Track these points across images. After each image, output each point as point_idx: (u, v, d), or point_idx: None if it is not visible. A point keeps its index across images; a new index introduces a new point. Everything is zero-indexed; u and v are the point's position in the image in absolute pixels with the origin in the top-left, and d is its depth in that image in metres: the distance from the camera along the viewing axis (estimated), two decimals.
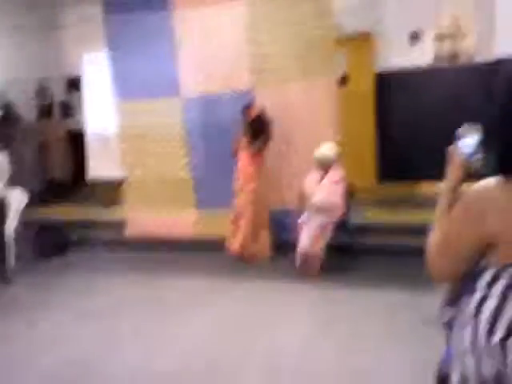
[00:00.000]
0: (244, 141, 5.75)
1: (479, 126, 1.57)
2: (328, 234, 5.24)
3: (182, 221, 6.46)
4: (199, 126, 6.35)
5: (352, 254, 5.53)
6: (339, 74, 6.43)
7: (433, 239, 1.50)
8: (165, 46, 6.26)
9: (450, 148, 1.60)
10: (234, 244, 5.80)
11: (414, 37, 6.88)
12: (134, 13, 6.28)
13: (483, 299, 1.39)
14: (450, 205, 1.52)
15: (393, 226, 5.64)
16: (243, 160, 5.78)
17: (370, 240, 5.70)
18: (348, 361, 3.49)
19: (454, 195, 1.55)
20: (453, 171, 1.58)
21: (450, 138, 1.61)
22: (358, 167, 6.40)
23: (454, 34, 6.63)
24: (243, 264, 5.71)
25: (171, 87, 6.32)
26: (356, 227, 5.59)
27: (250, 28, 5.95)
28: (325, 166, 5.34)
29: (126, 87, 6.53)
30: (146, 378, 3.45)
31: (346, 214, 5.38)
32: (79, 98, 8.59)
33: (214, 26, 6.06)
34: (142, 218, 6.61)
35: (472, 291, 1.42)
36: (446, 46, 6.72)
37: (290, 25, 5.81)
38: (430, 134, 6.51)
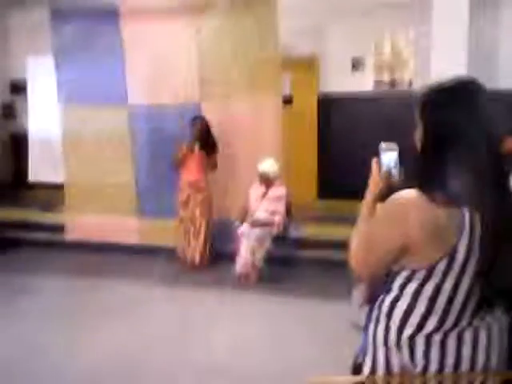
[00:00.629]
0: (192, 152, 5.85)
1: (396, 144, 1.71)
2: (266, 246, 5.42)
3: (124, 227, 6.49)
4: (145, 136, 6.43)
5: (290, 266, 5.73)
6: (284, 94, 6.68)
7: (356, 243, 1.62)
8: (113, 55, 6.30)
9: (372, 161, 1.72)
10: (192, 255, 5.91)
11: (357, 63, 7.24)
12: (83, 21, 6.31)
13: (396, 299, 1.54)
14: (371, 214, 1.65)
15: (331, 241, 5.89)
16: (191, 171, 5.89)
17: (309, 253, 5.91)
18: (277, 364, 3.69)
19: (375, 205, 1.66)
20: (374, 183, 1.70)
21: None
22: (300, 184, 6.64)
23: (394, 63, 7.04)
24: (186, 271, 5.81)
25: (118, 95, 6.38)
26: (295, 241, 5.81)
27: (198, 42, 6.10)
28: (267, 181, 5.53)
29: (71, 92, 6.53)
30: (68, 379, 3.51)
31: (286, 228, 5.59)
32: (23, 101, 8.46)
33: (163, 40, 6.15)
34: (83, 222, 6.61)
35: (388, 291, 1.57)
36: (386, 74, 7.11)
37: (237, 44, 5.99)
38: (367, 156, 6.84)
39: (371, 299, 1.67)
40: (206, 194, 5.95)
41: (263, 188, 5.58)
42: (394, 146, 1.71)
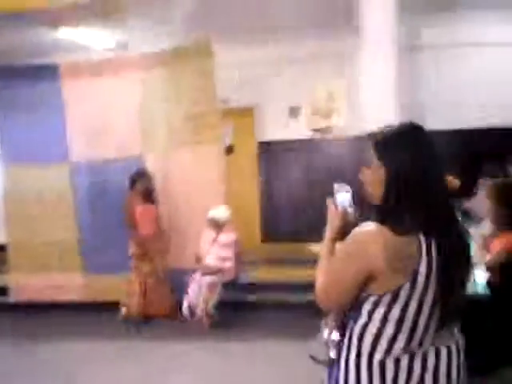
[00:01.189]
0: (140, 204, 5.85)
1: (348, 185, 1.83)
2: (218, 293, 5.47)
3: (70, 285, 6.38)
4: (88, 191, 6.41)
5: (242, 310, 5.78)
6: (226, 143, 6.89)
7: (321, 280, 1.68)
8: (54, 113, 6.34)
9: (328, 201, 1.83)
10: (155, 308, 5.78)
11: (293, 112, 7.60)
12: (23, 80, 6.33)
13: (366, 324, 1.62)
14: (332, 252, 1.74)
15: (278, 283, 6.03)
16: (145, 225, 5.83)
17: (258, 296, 6.01)
18: None
19: (334, 244, 1.76)
20: (333, 221, 1.79)
21: (326, 204, 1.89)
22: (244, 229, 6.78)
23: (329, 110, 7.44)
24: (137, 325, 5.68)
25: (59, 152, 6.38)
26: (244, 285, 5.91)
27: (139, 95, 6.23)
28: (217, 227, 5.63)
29: (13, 151, 6.49)
30: None
31: (237, 274, 5.68)
32: None
33: (104, 94, 6.25)
34: (28, 283, 6.43)
35: (356, 318, 1.65)
36: (321, 121, 7.49)
37: (176, 94, 6.16)
38: (307, 199, 7.14)
39: (341, 329, 1.74)
40: (165, 246, 5.95)
41: (214, 234, 5.66)
42: (346, 186, 1.83)
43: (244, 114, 7.65)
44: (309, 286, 5.97)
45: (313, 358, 2.56)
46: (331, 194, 1.84)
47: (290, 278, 6.06)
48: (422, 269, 1.55)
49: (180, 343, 5.14)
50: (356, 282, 1.60)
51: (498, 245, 2.48)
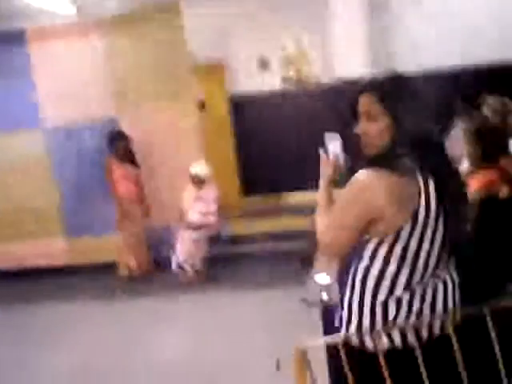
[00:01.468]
0: (119, 166, 5.87)
1: (338, 135, 1.91)
2: (204, 248, 5.61)
3: (51, 250, 6.40)
4: (64, 156, 6.35)
5: (227, 263, 5.92)
6: (198, 99, 6.85)
7: (322, 227, 1.76)
8: (23, 79, 6.20)
9: (321, 151, 1.91)
10: (139, 264, 5.97)
11: (262, 63, 7.55)
12: None
13: (368, 266, 1.70)
14: (329, 199, 1.84)
15: (260, 235, 6.16)
16: (128, 185, 5.90)
17: (242, 248, 6.15)
18: (238, 353, 3.91)
19: (330, 191, 1.85)
20: (326, 170, 1.88)
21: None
22: (223, 185, 6.83)
23: (299, 60, 7.42)
24: (127, 282, 5.84)
25: (31, 118, 6.28)
26: (227, 239, 6.02)
27: (109, 56, 6.14)
28: (199, 183, 5.66)
29: None
30: None
31: (219, 228, 5.78)
32: None
33: (73, 57, 6.15)
34: (9, 250, 6.43)
35: (359, 260, 1.73)
36: (292, 71, 7.47)
37: (145, 53, 6.09)
38: (283, 151, 7.21)
39: (343, 272, 1.84)
40: (147, 205, 6.04)
41: (196, 189, 5.70)
42: (336, 135, 1.91)
43: (214, 69, 7.57)
44: (292, 236, 6.15)
45: (304, 300, 2.68)
46: (322, 144, 1.90)
47: (272, 228, 6.20)
48: (422, 208, 1.63)
49: (169, 298, 5.28)
50: (358, 225, 1.67)
51: (476, 183, 2.59)
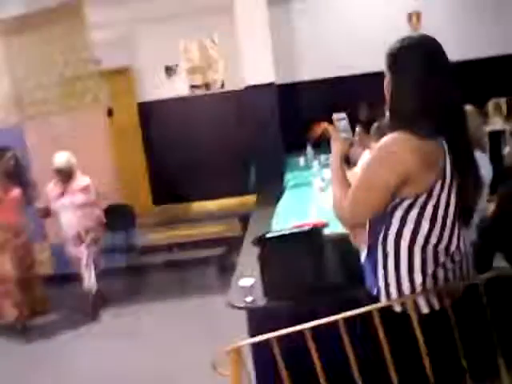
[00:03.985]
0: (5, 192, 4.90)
1: (345, 114, 1.97)
2: (100, 261, 5.09)
3: None
4: None
5: (142, 274, 5.81)
6: (105, 106, 6.69)
7: (350, 193, 1.74)
8: None
9: (331, 128, 1.96)
10: (12, 312, 4.87)
11: (169, 70, 7.51)
12: None
13: (400, 230, 1.71)
14: (343, 172, 1.87)
15: (174, 243, 6.12)
16: (5, 213, 4.83)
17: (157, 258, 6.06)
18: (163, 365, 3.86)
19: (343, 169, 1.88)
20: (337, 146, 1.93)
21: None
22: (134, 193, 6.72)
23: (204, 66, 7.45)
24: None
25: None
26: (141, 248, 5.92)
27: (11, 62, 5.87)
28: (65, 177, 4.95)
29: None
30: None
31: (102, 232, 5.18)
32: None
33: None
34: None
35: (388, 227, 1.73)
36: (198, 77, 7.49)
37: (49, 60, 5.87)
38: (193, 158, 7.21)
39: (369, 241, 1.81)
40: (25, 239, 5.02)
41: (62, 185, 4.97)
42: (343, 114, 1.98)
43: (120, 76, 7.42)
44: (207, 243, 6.10)
45: (230, 304, 2.71)
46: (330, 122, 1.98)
47: (184, 236, 6.18)
48: (448, 168, 1.67)
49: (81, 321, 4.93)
50: (389, 188, 1.67)
51: None
